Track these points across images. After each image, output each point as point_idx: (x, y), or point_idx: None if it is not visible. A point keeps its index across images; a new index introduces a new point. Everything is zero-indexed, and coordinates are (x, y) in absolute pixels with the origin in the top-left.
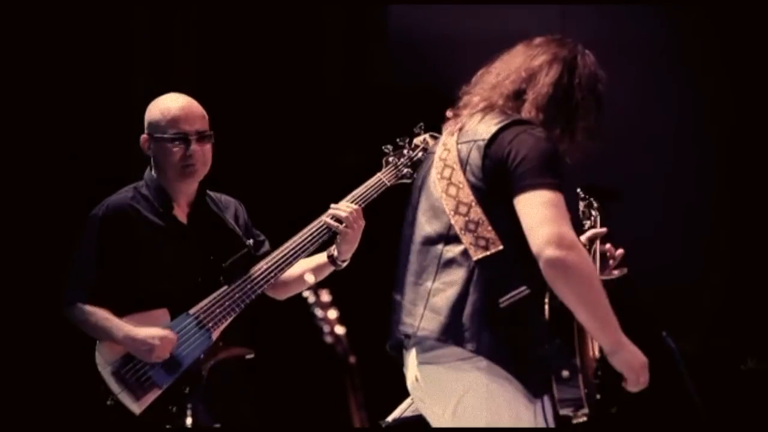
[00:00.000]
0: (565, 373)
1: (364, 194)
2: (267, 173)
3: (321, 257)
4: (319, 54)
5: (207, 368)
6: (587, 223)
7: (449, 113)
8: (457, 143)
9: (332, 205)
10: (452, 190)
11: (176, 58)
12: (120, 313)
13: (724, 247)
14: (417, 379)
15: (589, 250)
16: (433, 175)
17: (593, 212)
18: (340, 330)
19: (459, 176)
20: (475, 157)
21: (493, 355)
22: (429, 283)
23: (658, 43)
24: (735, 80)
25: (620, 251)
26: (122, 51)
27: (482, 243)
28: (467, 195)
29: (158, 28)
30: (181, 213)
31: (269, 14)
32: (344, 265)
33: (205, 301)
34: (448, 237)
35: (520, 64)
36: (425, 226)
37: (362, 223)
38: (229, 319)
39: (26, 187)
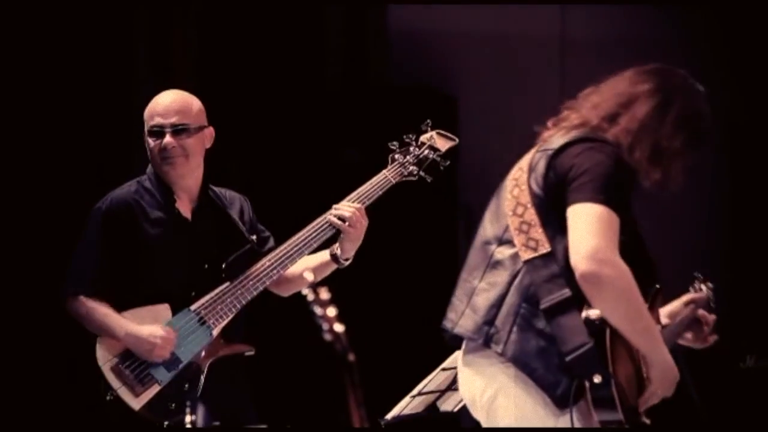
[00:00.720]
0: (597, 379)
1: (370, 191)
2: (268, 170)
3: (324, 255)
4: (320, 52)
5: (207, 365)
6: (691, 290)
7: (549, 123)
8: (536, 151)
9: (335, 205)
10: (516, 191)
11: (176, 56)
12: (121, 307)
13: (725, 245)
14: (461, 373)
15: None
16: (509, 178)
17: (703, 287)
18: (339, 327)
19: (524, 179)
20: (541, 166)
21: (518, 359)
22: (476, 282)
23: (660, 42)
24: (739, 79)
25: (713, 317)
26: (122, 46)
27: (532, 244)
28: (526, 197)
29: (158, 26)
30: (184, 207)
31: (270, 12)
32: (347, 263)
33: (207, 297)
34: (502, 239)
35: (624, 89)
36: (487, 225)
37: (365, 222)
38: (231, 316)
39: (29, 181)
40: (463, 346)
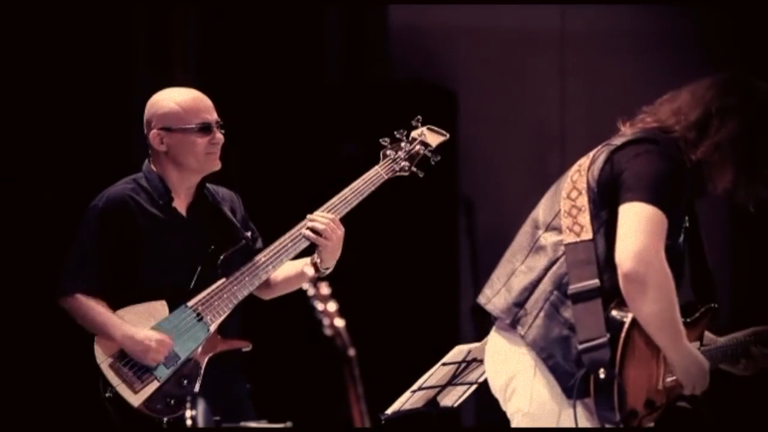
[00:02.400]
0: (602, 374)
1: (362, 187)
2: (268, 164)
3: (305, 262)
4: (319, 47)
5: (205, 361)
6: None
7: (623, 125)
8: (603, 145)
9: (308, 216)
10: (576, 176)
11: (175, 50)
12: (119, 304)
13: (727, 245)
14: (488, 347)
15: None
16: (574, 165)
17: None
18: (339, 322)
19: (586, 166)
20: (601, 159)
21: (538, 344)
22: (517, 264)
23: (659, 35)
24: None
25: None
26: (121, 37)
27: (576, 229)
28: (583, 184)
29: (157, 20)
30: (180, 205)
31: (269, 7)
32: (327, 272)
33: (204, 294)
34: (550, 225)
35: (707, 99)
36: (540, 209)
37: (341, 232)
38: (228, 312)
39: (26, 179)
40: (495, 324)
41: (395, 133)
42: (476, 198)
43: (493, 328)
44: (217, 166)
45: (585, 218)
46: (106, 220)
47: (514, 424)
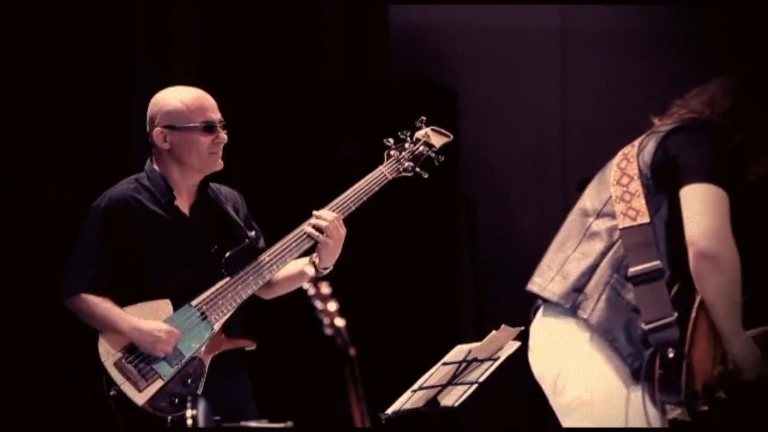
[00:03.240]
0: (671, 353)
1: (366, 187)
2: (268, 164)
3: (305, 261)
4: (319, 46)
5: (209, 359)
6: None
7: (655, 120)
8: (646, 135)
9: (315, 213)
10: (623, 164)
11: (176, 49)
12: (122, 304)
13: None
14: (534, 337)
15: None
16: (618, 154)
17: None
18: (339, 322)
19: (633, 154)
20: (651, 146)
21: (602, 326)
22: (569, 251)
23: (660, 34)
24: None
25: None
26: (122, 36)
27: (632, 213)
28: (633, 170)
29: (158, 19)
30: (183, 204)
31: (270, 5)
32: (326, 272)
33: (208, 293)
34: (601, 212)
35: (742, 88)
36: (586, 199)
37: (342, 232)
38: (232, 311)
39: (28, 179)
40: (540, 309)
41: (399, 133)
42: (477, 197)
43: (538, 318)
44: (219, 165)
45: (640, 202)
46: (108, 220)
47: (570, 415)
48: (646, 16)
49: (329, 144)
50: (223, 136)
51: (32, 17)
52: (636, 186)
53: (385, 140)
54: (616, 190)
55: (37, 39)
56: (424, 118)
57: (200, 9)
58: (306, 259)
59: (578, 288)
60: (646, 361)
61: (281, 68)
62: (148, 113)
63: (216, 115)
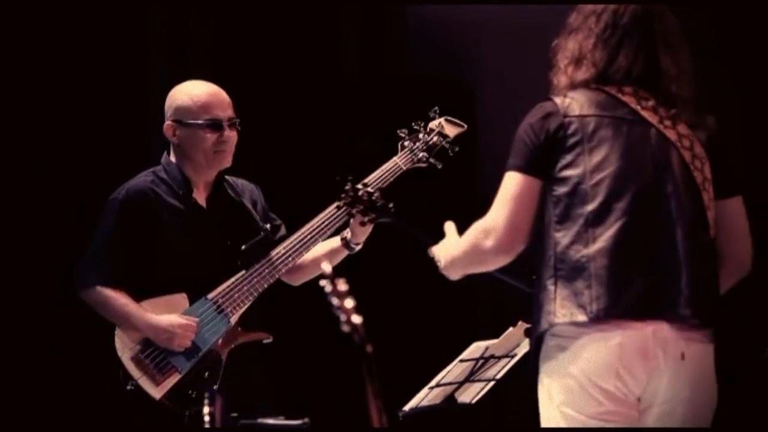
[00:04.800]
0: None
1: (381, 178)
2: (285, 159)
3: (335, 241)
4: (337, 41)
5: (226, 353)
6: None
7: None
8: (684, 128)
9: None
10: (698, 164)
11: (193, 47)
12: (138, 297)
13: None
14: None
15: None
16: (676, 153)
17: None
18: (356, 319)
19: (701, 152)
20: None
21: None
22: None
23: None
24: (740, 75)
25: None
26: (138, 34)
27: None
28: (708, 172)
29: (175, 18)
30: (200, 197)
31: (286, 2)
32: (357, 248)
33: (224, 286)
34: (707, 223)
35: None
36: (690, 207)
37: None
38: (248, 304)
39: (44, 172)
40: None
41: (413, 124)
42: (494, 195)
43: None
44: (226, 163)
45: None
46: (126, 212)
47: None
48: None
49: (346, 139)
50: (229, 134)
51: (48, 14)
52: (708, 193)
53: (399, 131)
54: (705, 198)
55: (53, 36)
56: (437, 108)
57: (217, 6)
58: (334, 240)
59: (712, 303)
60: None
61: (298, 64)
62: (165, 105)
63: (224, 113)
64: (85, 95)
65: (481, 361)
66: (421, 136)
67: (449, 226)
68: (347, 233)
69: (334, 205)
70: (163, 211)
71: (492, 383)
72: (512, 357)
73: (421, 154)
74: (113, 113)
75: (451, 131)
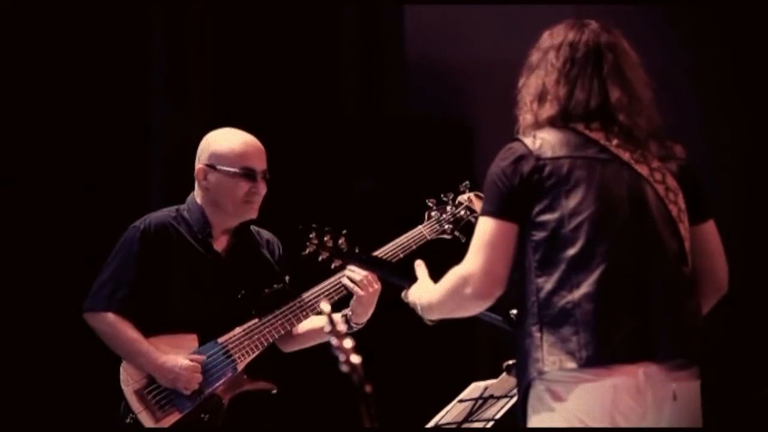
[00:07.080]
0: None
1: (404, 244)
2: (283, 197)
3: (336, 316)
4: (336, 81)
5: (228, 398)
6: None
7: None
8: (654, 162)
9: (348, 267)
10: (671, 196)
11: (192, 83)
12: (148, 332)
13: (737, 267)
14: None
15: None
16: (650, 189)
17: None
18: (355, 359)
19: (673, 184)
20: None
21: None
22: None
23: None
24: (740, 80)
25: None
26: (138, 80)
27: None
28: (682, 203)
29: (174, 50)
30: (219, 243)
31: (287, 39)
32: (357, 328)
33: (235, 332)
34: (685, 255)
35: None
36: (669, 241)
37: (377, 287)
38: (257, 353)
39: (41, 191)
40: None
41: (442, 195)
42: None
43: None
44: (253, 214)
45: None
46: (145, 242)
47: None
48: (664, 46)
49: (345, 179)
50: (262, 186)
51: (46, 31)
52: (685, 225)
53: (427, 200)
54: (683, 229)
55: (54, 53)
56: (467, 182)
57: (215, 43)
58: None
59: (694, 339)
60: None
61: (297, 103)
62: (199, 148)
63: (259, 166)
64: (86, 116)
65: (480, 401)
66: (449, 208)
67: (420, 267)
68: (348, 311)
69: (338, 275)
70: (181, 248)
71: (491, 423)
72: (511, 397)
73: (447, 226)
74: (113, 140)
75: (480, 206)
